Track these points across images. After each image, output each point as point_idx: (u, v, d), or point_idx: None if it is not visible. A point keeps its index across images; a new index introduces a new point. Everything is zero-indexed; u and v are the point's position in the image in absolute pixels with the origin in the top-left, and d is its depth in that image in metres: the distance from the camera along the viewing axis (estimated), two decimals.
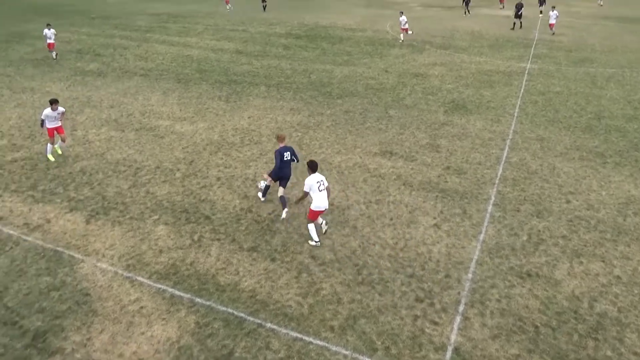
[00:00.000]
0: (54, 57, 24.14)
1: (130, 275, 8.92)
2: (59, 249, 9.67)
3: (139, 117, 16.64)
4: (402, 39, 27.66)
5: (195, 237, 10.03)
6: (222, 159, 13.56)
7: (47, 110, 12.91)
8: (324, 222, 9.74)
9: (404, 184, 12.20)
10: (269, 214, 10.82)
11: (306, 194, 9.38)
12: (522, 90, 19.57)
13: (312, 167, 9.33)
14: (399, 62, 23.84)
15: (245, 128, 15.69)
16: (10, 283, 8.74)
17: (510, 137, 15.10)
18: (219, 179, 12.44)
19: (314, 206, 9.38)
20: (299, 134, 15.26)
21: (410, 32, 28.22)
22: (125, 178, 12.46)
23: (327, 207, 9.57)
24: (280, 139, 10.64)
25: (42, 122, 12.98)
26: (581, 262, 9.32)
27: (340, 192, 11.77)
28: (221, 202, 11.35)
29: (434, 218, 10.75)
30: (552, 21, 30.00)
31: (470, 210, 11.05)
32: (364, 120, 16.37)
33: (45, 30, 23.54)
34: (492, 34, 30.73)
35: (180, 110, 17.33)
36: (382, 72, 22.10)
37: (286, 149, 10.52)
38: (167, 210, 11.02)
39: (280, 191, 10.59)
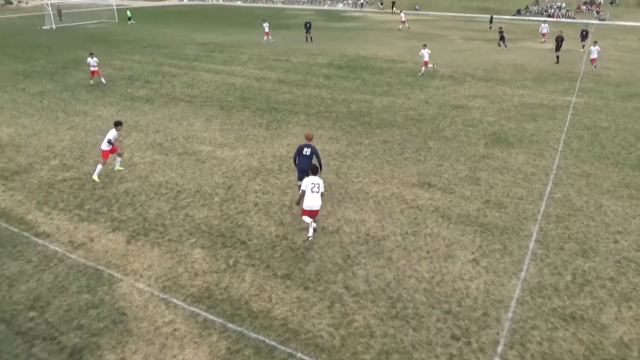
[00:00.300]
0: (104, 82, 25.42)
1: (165, 296, 9.04)
2: (99, 267, 9.94)
3: (182, 142, 17.15)
4: (422, 71, 27.55)
5: (231, 262, 10.10)
6: (260, 185, 13.74)
7: (113, 132, 13.73)
8: (314, 228, 10.82)
9: (441, 217, 11.96)
10: (304, 241, 10.80)
11: (303, 192, 10.50)
12: (566, 125, 19.05)
13: (313, 170, 10.64)
14: (439, 93, 23.76)
15: (284, 155, 15.89)
16: (52, 299, 9.01)
17: (553, 172, 14.63)
18: (256, 204, 12.57)
19: (305, 205, 10.49)
20: (337, 162, 15.31)
21: (431, 65, 28.14)
22: (166, 200, 12.78)
23: (318, 210, 10.66)
24: (307, 137, 12.02)
25: (110, 142, 13.64)
26: (630, 307, 8.79)
27: (376, 222, 11.65)
28: (257, 227, 11.44)
29: (473, 253, 10.45)
30: (594, 56, 29.31)
31: (510, 247, 10.68)
32: (402, 151, 16.28)
33: (89, 59, 24.84)
34: (535, 67, 30.26)
35: (222, 136, 17.76)
36: (422, 103, 22.05)
37: (308, 146, 11.73)
38: (205, 233, 11.18)
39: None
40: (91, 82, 25.33)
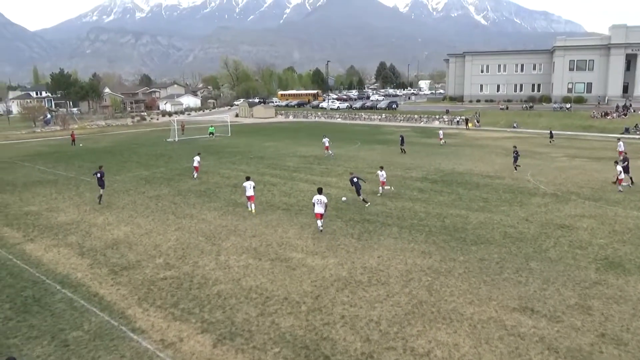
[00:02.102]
0: (194, 176, 31.03)
1: None
2: None
3: (275, 248, 17.59)
4: (380, 192, 26.12)
5: None
6: (348, 296, 13.39)
7: (246, 183, 22.44)
8: (321, 224, 19.05)
9: (547, 349, 10.61)
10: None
11: (313, 204, 19.13)
12: None
13: (318, 190, 19.38)
14: (541, 211, 22.48)
15: (374, 267, 15.55)
16: None
17: None
18: (342, 317, 12.16)
19: (314, 210, 19.12)
20: (429, 278, 14.62)
21: (388, 187, 26.68)
22: (255, 305, 12.84)
23: (322, 214, 18.99)
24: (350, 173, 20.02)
25: (245, 190, 22.54)
26: None
27: (471, 349, 10.61)
28: (342, 342, 10.93)
29: None
30: None
31: None
32: (500, 271, 15.21)
33: (195, 157, 31.25)
34: None
35: (314, 244, 17.98)
36: (522, 220, 20.91)
37: (354, 176, 21.62)
38: (289, 344, 10.89)
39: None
40: (194, 175, 31.12)
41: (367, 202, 23.48)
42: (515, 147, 34.97)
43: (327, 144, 41.83)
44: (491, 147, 47.89)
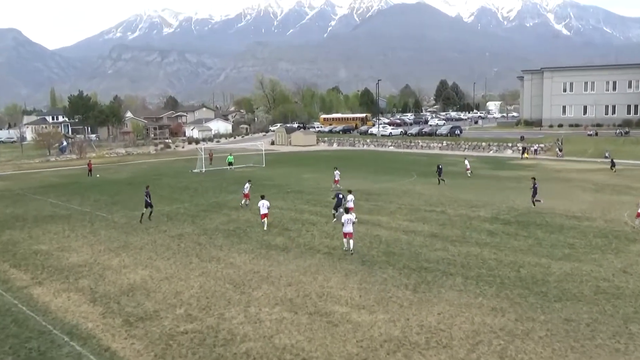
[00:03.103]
0: (244, 204, 34.97)
1: None
2: None
3: (315, 299, 17.47)
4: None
5: None
6: None
7: (261, 202, 26.95)
8: (349, 244, 22.68)
9: None
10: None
11: (342, 224, 23.01)
12: None
13: (346, 210, 24.22)
14: None
15: (433, 326, 15.14)
16: None
17: None
18: None
19: (344, 229, 22.79)
20: (502, 342, 14.05)
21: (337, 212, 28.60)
22: None
23: (351, 232, 22.68)
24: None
25: (260, 209, 27.62)
26: None
27: None
28: None
29: None
30: None
31: None
32: (592, 335, 14.45)
33: (246, 184, 35.60)
34: None
35: (360, 296, 17.75)
36: (619, 272, 19.94)
37: (338, 193, 25.77)
38: None
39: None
40: (243, 203, 34.99)
41: (334, 218, 29.13)
42: (534, 178, 35.06)
43: (337, 178, 42.34)
44: (577, 180, 46.43)
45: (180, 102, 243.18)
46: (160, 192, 42.62)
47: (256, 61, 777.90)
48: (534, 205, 33.34)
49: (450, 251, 23.24)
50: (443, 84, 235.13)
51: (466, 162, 52.20)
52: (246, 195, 35.04)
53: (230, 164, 60.60)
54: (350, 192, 30.13)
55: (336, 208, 29.23)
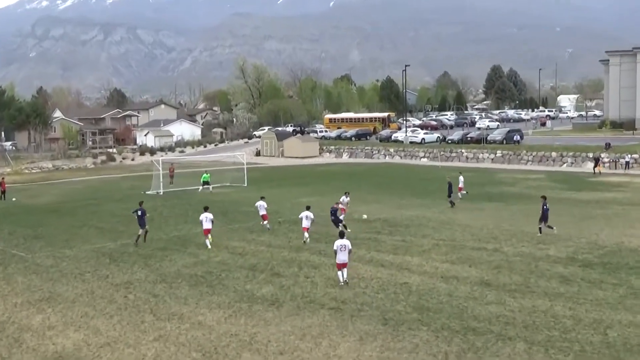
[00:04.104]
0: (268, 228, 38.13)
1: None
2: None
3: None
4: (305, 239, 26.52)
5: None
6: None
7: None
8: (345, 276, 25.20)
9: None
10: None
11: (335, 251, 25.34)
12: None
13: (340, 235, 26.52)
14: None
15: None
16: None
17: None
18: None
19: (337, 259, 25.33)
20: None
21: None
22: None
23: (346, 262, 25.28)
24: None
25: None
26: None
27: None
28: None
29: None
30: None
31: None
32: None
33: (261, 202, 38.29)
34: None
35: None
36: None
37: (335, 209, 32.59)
38: None
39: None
40: (265, 224, 38.24)
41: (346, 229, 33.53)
42: (544, 197, 36.14)
43: (343, 206, 42.25)
44: None
45: (130, 96, 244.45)
46: (100, 222, 42.65)
47: (235, 40, 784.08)
48: (540, 232, 35.45)
49: (509, 305, 23.12)
50: (496, 71, 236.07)
51: (460, 178, 52.01)
52: (264, 217, 38.35)
53: (205, 183, 60.94)
54: (347, 193, 31.67)
55: (336, 224, 33.64)
